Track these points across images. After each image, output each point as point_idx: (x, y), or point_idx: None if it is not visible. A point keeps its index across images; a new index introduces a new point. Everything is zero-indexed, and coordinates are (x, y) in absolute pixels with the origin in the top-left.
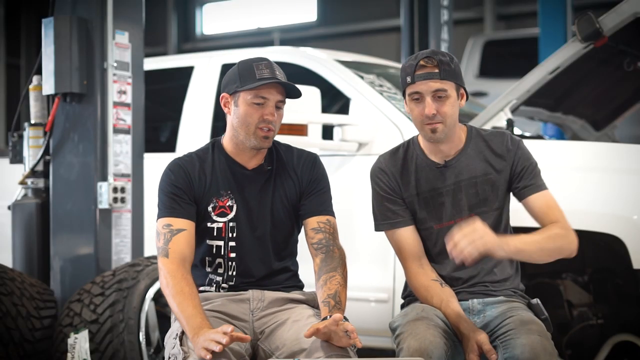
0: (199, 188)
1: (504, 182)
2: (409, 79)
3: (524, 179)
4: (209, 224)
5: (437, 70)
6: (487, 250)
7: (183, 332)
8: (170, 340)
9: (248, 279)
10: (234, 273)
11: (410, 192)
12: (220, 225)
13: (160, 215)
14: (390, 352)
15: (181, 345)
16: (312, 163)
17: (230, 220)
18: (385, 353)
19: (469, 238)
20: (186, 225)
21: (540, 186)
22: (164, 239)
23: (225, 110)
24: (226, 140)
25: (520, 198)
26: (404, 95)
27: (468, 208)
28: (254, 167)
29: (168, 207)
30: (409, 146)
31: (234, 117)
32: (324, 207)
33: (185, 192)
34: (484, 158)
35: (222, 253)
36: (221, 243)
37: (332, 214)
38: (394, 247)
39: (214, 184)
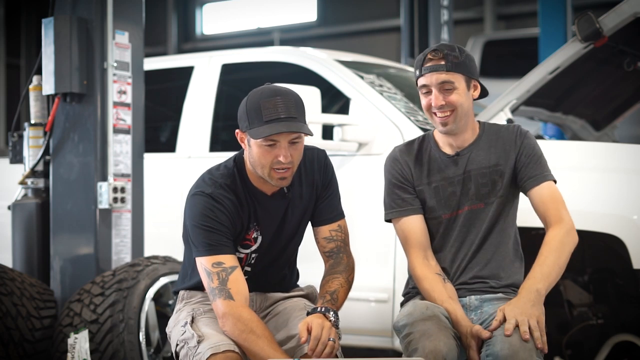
0: (236, 223)
1: (510, 172)
2: (417, 72)
3: (528, 169)
4: None
5: (442, 63)
6: (525, 322)
7: (193, 318)
8: (178, 328)
9: (255, 289)
10: None
11: (422, 181)
12: (242, 256)
13: (204, 253)
14: (389, 352)
15: (193, 330)
16: (324, 166)
17: (252, 252)
18: (385, 353)
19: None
20: (236, 262)
21: (542, 177)
22: (219, 279)
23: (242, 145)
24: (248, 169)
25: (524, 191)
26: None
27: (477, 197)
28: (273, 192)
29: (214, 244)
30: (424, 139)
31: (249, 155)
32: (336, 212)
33: (228, 228)
34: (495, 150)
35: None
36: None
37: (342, 216)
38: (400, 236)
39: (245, 217)
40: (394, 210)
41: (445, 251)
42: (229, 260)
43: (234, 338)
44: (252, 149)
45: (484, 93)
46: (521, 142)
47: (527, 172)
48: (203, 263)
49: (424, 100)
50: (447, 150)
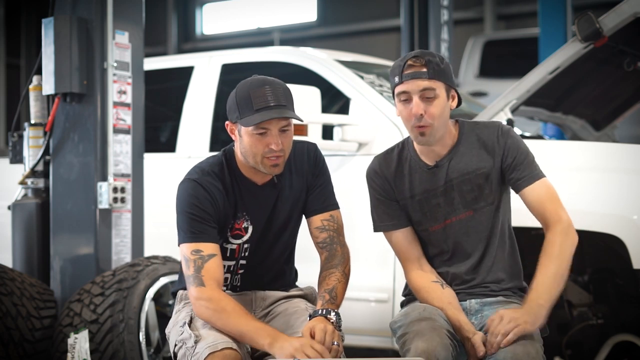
0: (222, 211)
1: (497, 174)
2: (397, 79)
3: (516, 170)
4: (224, 244)
5: (424, 70)
6: (523, 330)
7: (192, 319)
8: (177, 329)
9: (253, 286)
10: (238, 283)
11: (404, 195)
12: (235, 247)
13: (185, 240)
14: (389, 352)
15: (191, 330)
16: (314, 157)
17: (245, 242)
18: (385, 353)
19: (499, 330)
20: (215, 250)
21: (533, 177)
22: (195, 266)
23: (232, 136)
24: (238, 159)
25: (516, 191)
26: (393, 97)
27: (464, 205)
28: (264, 182)
29: (196, 232)
30: (403, 147)
31: (241, 146)
32: (328, 202)
33: (211, 216)
34: (477, 152)
35: (232, 270)
36: (232, 263)
37: (335, 207)
38: (392, 248)
39: (232, 205)
40: (381, 225)
41: (440, 259)
42: (208, 248)
43: (208, 321)
44: (243, 138)
45: (459, 102)
46: (504, 142)
47: (516, 173)
48: (183, 250)
49: (404, 111)
50: (426, 159)
